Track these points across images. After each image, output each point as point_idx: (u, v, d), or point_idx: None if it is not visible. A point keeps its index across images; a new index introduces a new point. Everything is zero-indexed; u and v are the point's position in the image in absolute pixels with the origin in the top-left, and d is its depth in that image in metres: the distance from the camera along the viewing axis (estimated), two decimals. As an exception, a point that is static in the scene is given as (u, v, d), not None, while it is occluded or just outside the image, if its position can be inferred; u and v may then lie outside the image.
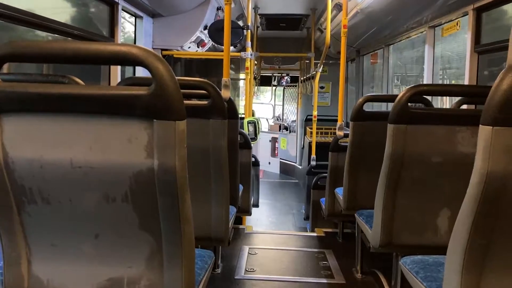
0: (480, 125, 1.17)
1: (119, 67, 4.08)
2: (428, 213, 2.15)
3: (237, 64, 10.64)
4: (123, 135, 1.14)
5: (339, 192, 3.35)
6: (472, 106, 3.08)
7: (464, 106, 2.71)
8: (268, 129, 12.08)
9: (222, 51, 3.64)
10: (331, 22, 5.79)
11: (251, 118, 5.22)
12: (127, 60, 1.09)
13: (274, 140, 11.64)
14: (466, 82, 3.53)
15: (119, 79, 4.15)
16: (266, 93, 13.29)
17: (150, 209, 1.21)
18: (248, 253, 3.57)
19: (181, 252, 1.24)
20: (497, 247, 1.27)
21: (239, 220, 4.51)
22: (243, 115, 5.70)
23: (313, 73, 7.24)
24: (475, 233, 1.25)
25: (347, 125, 6.36)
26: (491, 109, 1.13)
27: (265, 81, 11.47)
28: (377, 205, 2.22)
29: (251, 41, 5.74)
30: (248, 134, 4.73)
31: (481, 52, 3.40)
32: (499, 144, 1.14)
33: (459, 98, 2.67)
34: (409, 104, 2.00)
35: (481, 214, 1.22)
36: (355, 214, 2.88)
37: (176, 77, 1.14)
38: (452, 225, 1.33)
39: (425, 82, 4.54)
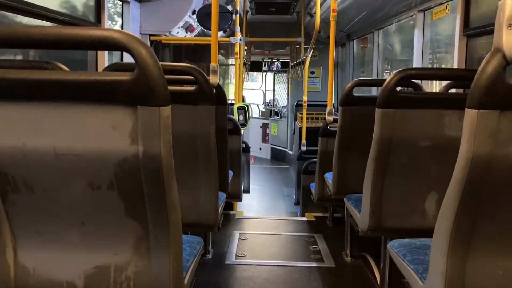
0: (465, 109, 1.17)
1: (106, 53, 4.02)
2: (416, 196, 2.17)
3: (227, 49, 10.54)
4: (107, 122, 1.12)
5: (329, 176, 3.36)
6: (461, 90, 3.09)
7: (453, 90, 2.72)
8: (259, 115, 12.05)
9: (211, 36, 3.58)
10: (320, 6, 5.74)
11: (241, 104, 5.19)
12: (109, 45, 1.07)
13: (265, 126, 11.63)
14: (455, 66, 3.53)
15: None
16: (256, 78, 13.23)
17: (136, 196, 1.20)
18: (239, 238, 3.59)
19: (168, 238, 1.24)
20: (482, 229, 1.28)
21: (230, 206, 4.52)
22: (233, 101, 5.66)
23: (303, 58, 7.20)
24: (460, 215, 1.26)
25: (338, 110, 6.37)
26: (477, 92, 1.13)
27: (255, 67, 11.40)
28: (366, 189, 2.23)
29: (240, 26, 5.67)
30: (238, 120, 4.71)
31: (469, 35, 3.39)
32: (484, 127, 1.14)
33: (448, 81, 2.67)
34: (399, 88, 2.00)
35: (466, 197, 1.23)
36: (344, 199, 2.89)
37: (163, 63, 1.12)
38: (440, 209, 1.34)
39: (414, 66, 4.54)
